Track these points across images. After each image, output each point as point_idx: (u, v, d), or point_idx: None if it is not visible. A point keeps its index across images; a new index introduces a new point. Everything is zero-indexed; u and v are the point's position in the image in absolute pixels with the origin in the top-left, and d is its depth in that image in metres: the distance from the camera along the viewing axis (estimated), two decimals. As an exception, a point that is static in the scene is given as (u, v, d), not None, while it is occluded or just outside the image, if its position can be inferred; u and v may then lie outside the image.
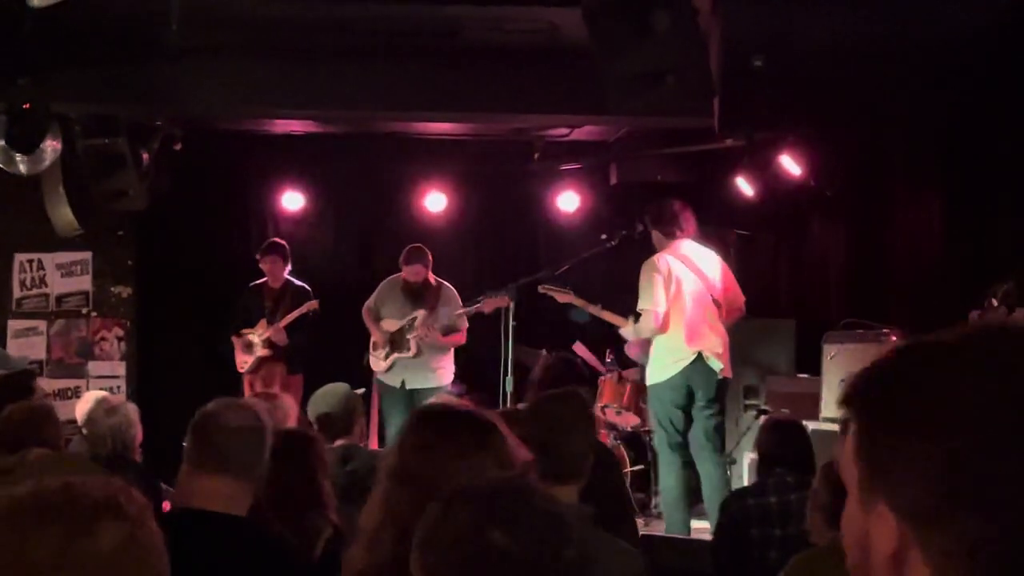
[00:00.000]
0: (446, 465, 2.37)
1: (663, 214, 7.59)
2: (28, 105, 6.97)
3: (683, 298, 7.38)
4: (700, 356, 7.36)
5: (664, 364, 7.43)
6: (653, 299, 7.37)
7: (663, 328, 7.39)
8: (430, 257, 9.05)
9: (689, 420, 7.48)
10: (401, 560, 1.95)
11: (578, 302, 8.18)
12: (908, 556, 1.11)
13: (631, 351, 9.63)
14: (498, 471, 2.34)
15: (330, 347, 9.58)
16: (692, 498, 7.59)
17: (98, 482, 1.45)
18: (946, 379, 1.12)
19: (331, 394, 5.91)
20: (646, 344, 8.68)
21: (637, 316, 7.61)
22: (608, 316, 8.04)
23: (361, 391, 8.46)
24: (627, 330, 7.83)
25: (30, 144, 7.24)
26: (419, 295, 8.99)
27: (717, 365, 7.37)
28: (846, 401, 1.20)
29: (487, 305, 8.55)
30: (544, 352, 9.34)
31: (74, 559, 1.35)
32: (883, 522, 1.13)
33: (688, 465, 7.47)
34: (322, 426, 5.72)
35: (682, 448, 7.46)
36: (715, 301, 7.51)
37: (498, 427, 2.50)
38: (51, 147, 7.52)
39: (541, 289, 8.33)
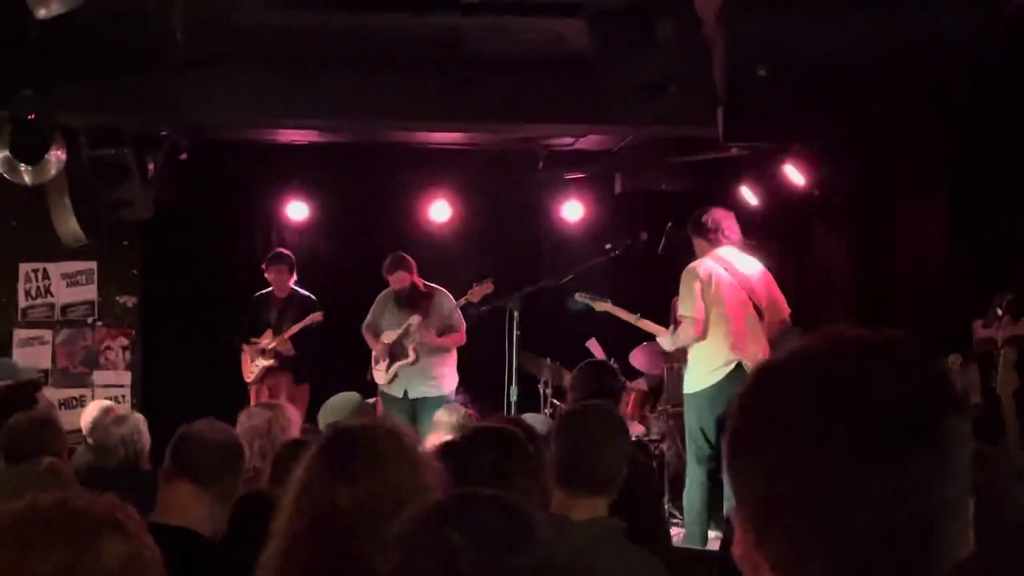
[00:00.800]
0: (327, 494, 2.47)
1: (704, 222, 7.44)
2: (33, 116, 6.98)
3: (723, 305, 7.23)
4: (740, 365, 7.17)
5: (703, 373, 7.27)
6: (694, 306, 7.22)
7: (702, 335, 7.26)
8: (412, 263, 9.03)
9: (720, 433, 7.38)
10: None
11: (617, 311, 8.07)
12: (758, 560, 1.17)
13: (637, 361, 9.65)
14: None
15: (336, 357, 9.59)
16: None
17: (94, 498, 1.45)
18: (770, 396, 1.19)
19: (342, 403, 5.93)
20: (663, 355, 8.69)
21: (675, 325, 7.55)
22: (646, 325, 7.91)
23: (372, 400, 8.48)
24: (665, 340, 7.71)
25: (35, 155, 7.25)
26: (412, 302, 8.99)
27: None
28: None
29: (473, 294, 8.57)
30: (548, 361, 9.36)
31: (78, 573, 1.34)
32: (738, 527, 1.20)
33: (712, 479, 7.30)
34: (332, 435, 5.73)
35: (710, 462, 7.26)
36: (757, 309, 7.35)
37: (409, 458, 2.55)
38: (56, 157, 7.54)
39: (578, 296, 8.27)
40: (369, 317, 9.20)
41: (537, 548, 1.90)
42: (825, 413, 1.13)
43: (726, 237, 7.38)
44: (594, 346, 9.52)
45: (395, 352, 8.98)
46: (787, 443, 1.14)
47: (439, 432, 6.09)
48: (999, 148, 7.29)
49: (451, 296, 9.03)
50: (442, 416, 6.36)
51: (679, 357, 8.01)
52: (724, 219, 7.47)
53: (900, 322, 8.04)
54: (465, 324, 9.00)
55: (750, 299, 7.34)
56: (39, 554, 1.35)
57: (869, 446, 1.11)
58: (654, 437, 9.11)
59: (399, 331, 8.97)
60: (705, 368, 7.27)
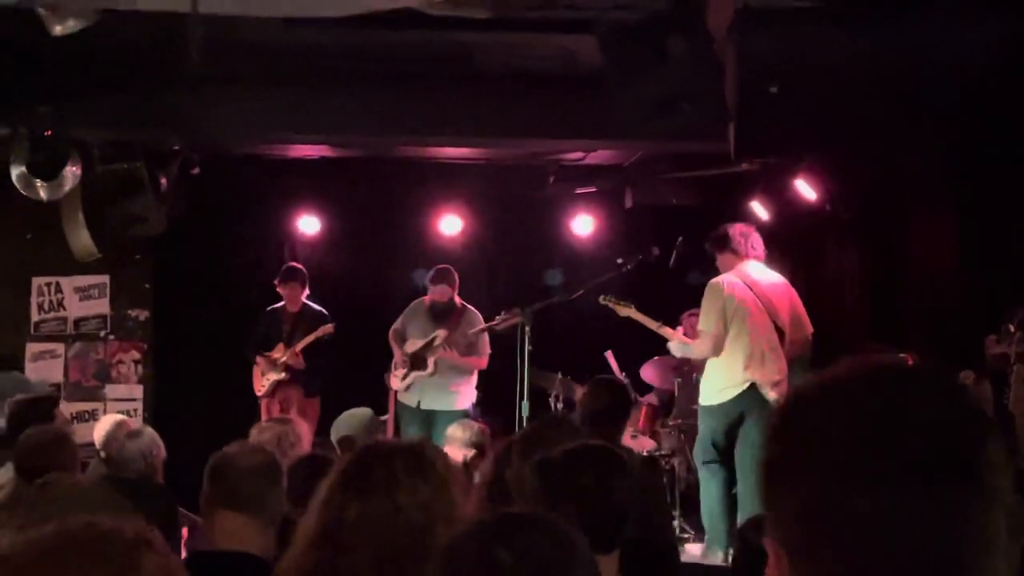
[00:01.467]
0: (339, 509, 2.55)
1: (728, 236, 7.47)
2: (49, 132, 7.02)
3: (745, 325, 7.24)
4: (754, 386, 7.19)
5: (716, 389, 7.32)
6: (713, 323, 7.25)
7: (717, 353, 7.29)
8: (457, 278, 9.10)
9: (733, 444, 7.34)
10: None
11: (639, 317, 8.06)
12: None
13: (648, 376, 9.66)
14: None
15: (346, 370, 9.61)
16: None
17: (121, 520, 1.45)
18: (807, 425, 1.19)
19: (354, 418, 5.95)
20: (674, 369, 8.70)
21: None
22: (666, 332, 7.92)
23: (384, 417, 8.50)
24: (675, 345, 7.77)
25: (51, 171, 7.30)
26: (442, 315, 9.05)
27: (772, 397, 7.12)
28: None
29: (500, 323, 8.58)
30: (559, 375, 9.37)
31: None
32: (772, 551, 1.21)
33: (729, 475, 7.36)
34: (344, 449, 5.75)
35: (721, 464, 7.34)
36: (779, 329, 7.34)
37: (411, 471, 2.59)
38: (71, 173, 7.58)
39: (602, 300, 8.25)
40: (398, 323, 9.25)
41: (582, 570, 1.93)
42: (862, 443, 1.14)
43: (748, 253, 7.39)
44: (610, 359, 9.53)
45: (416, 361, 9.01)
46: (824, 473, 1.15)
47: (452, 447, 6.11)
48: (1010, 163, 7.30)
49: (482, 318, 9.05)
50: (455, 432, 6.37)
51: (697, 368, 8.03)
52: (749, 233, 7.49)
53: (912, 338, 8.04)
54: (489, 350, 9.02)
55: (772, 319, 7.34)
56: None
57: (907, 477, 1.12)
58: (665, 452, 9.11)
59: (423, 341, 9.01)
60: (719, 384, 7.31)
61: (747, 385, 7.21)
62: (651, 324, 8.00)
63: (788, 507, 1.18)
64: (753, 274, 7.41)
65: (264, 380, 9.49)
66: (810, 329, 7.54)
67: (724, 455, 7.37)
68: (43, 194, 7.60)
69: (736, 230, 7.48)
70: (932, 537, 1.12)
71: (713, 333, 7.25)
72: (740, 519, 7.26)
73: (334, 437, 5.95)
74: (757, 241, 7.47)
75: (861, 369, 1.21)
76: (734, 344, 7.25)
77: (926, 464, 1.12)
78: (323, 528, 2.49)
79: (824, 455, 1.16)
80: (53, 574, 1.34)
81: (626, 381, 9.62)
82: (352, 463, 2.66)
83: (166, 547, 1.43)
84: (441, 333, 8.98)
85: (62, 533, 1.39)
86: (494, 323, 8.57)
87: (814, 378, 1.23)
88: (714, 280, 7.37)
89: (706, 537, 7.56)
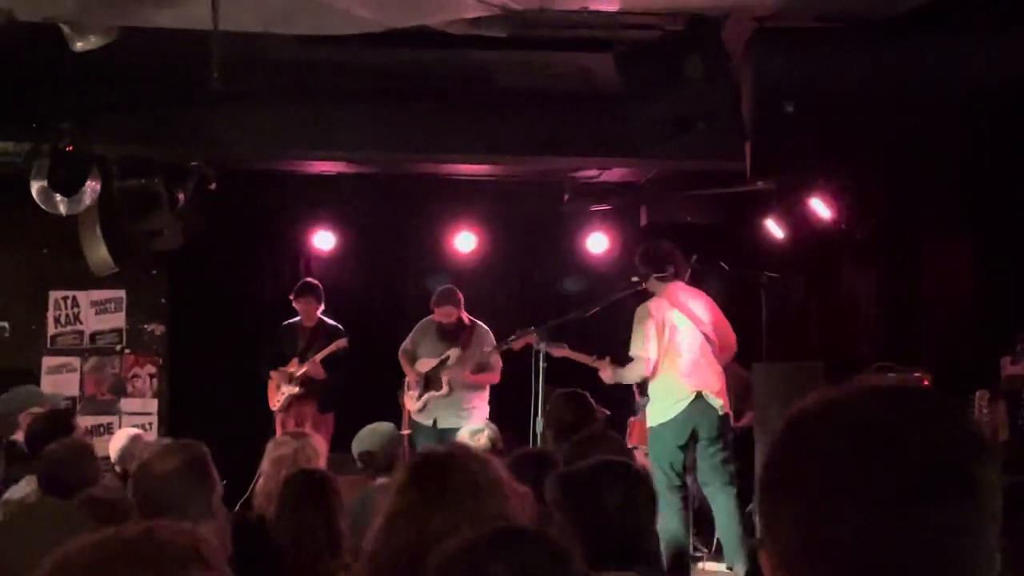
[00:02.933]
0: (422, 520, 2.50)
1: (657, 257, 7.62)
2: (71, 148, 7.07)
3: (677, 343, 7.43)
4: (700, 395, 7.39)
5: (665, 406, 7.45)
6: (644, 346, 7.42)
7: (652, 375, 7.46)
8: (461, 297, 9.13)
9: (690, 460, 7.52)
10: None
11: (573, 355, 8.18)
12: None
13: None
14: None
15: (361, 386, 9.62)
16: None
17: (177, 528, 1.46)
18: (803, 444, 1.22)
19: (376, 433, 5.97)
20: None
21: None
22: (599, 364, 7.98)
23: (407, 432, 8.51)
24: (607, 374, 7.82)
25: (72, 186, 7.35)
26: (453, 335, 9.08)
27: (717, 403, 7.39)
28: None
29: (516, 343, 8.58)
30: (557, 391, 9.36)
31: None
32: (767, 565, 1.23)
33: (687, 505, 7.55)
34: (365, 464, 5.78)
35: (682, 489, 7.47)
36: (708, 339, 7.53)
37: (497, 483, 2.57)
38: (91, 188, 7.63)
39: (535, 345, 8.14)
40: (408, 343, 9.26)
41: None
42: (858, 462, 1.15)
43: (675, 271, 7.56)
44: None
45: (429, 382, 9.04)
46: (819, 491, 1.17)
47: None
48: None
49: (491, 333, 9.08)
50: (467, 441, 6.39)
51: None
52: (673, 252, 7.62)
53: (927, 357, 8.02)
54: (501, 364, 9.04)
55: (701, 332, 7.51)
56: None
57: (902, 497, 1.13)
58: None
59: (435, 361, 9.03)
60: (666, 402, 7.45)
61: (694, 396, 7.37)
62: (585, 359, 8.08)
63: (785, 522, 1.20)
64: (680, 295, 7.59)
65: (279, 395, 9.51)
66: (733, 337, 7.72)
67: (683, 477, 7.51)
68: (63, 209, 7.64)
69: (662, 249, 7.69)
70: (927, 556, 1.13)
71: (646, 357, 7.42)
72: (722, 527, 7.39)
73: (355, 451, 5.97)
74: (681, 260, 7.66)
75: (860, 389, 1.24)
76: (670, 365, 7.43)
77: (922, 484, 1.14)
78: (407, 540, 2.45)
79: (821, 473, 1.18)
80: None
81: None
82: (425, 473, 2.62)
83: (220, 561, 1.44)
84: (454, 352, 9.00)
85: (118, 540, 1.41)
86: (509, 341, 8.57)
87: (816, 397, 1.25)
88: (644, 305, 7.55)
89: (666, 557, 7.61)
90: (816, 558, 1.17)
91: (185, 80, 7.46)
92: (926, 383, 7.59)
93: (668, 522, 7.49)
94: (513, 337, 8.47)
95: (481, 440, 6.30)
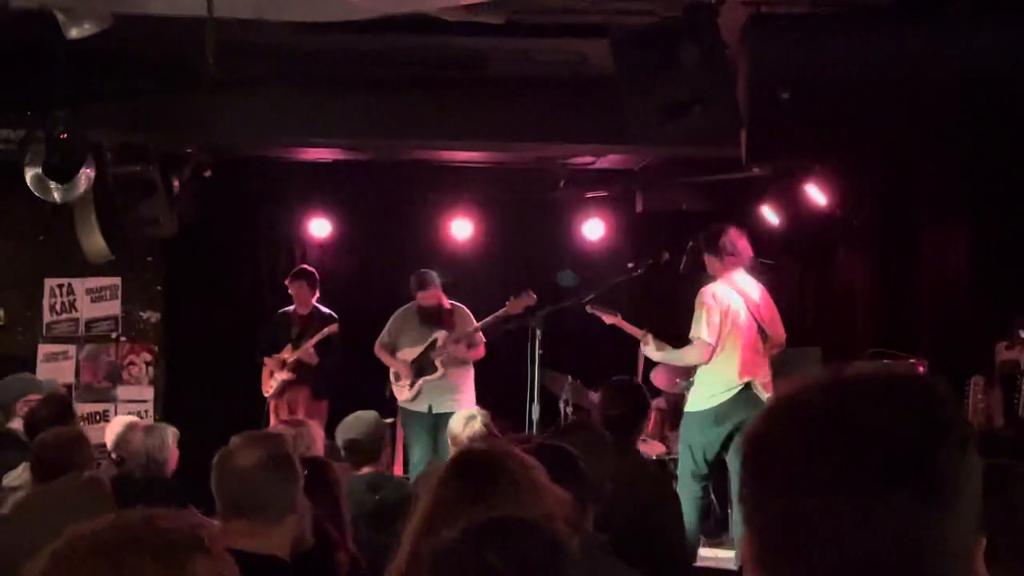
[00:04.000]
0: (467, 518, 2.46)
1: (721, 244, 7.45)
2: (65, 135, 7.05)
3: (738, 331, 7.31)
4: (749, 385, 7.28)
5: (712, 392, 7.33)
6: (708, 331, 7.26)
7: (709, 361, 7.33)
8: (438, 281, 9.10)
9: (722, 451, 7.39)
10: None
11: (624, 325, 8.06)
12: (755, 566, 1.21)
13: (658, 380, 9.65)
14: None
15: (355, 373, 9.63)
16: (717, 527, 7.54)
17: (179, 516, 1.46)
18: (770, 429, 1.22)
19: (360, 421, 5.94)
20: (678, 370, 8.69)
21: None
22: (649, 339, 7.87)
23: (390, 420, 8.50)
24: (661, 353, 7.75)
25: (67, 173, 7.33)
26: (436, 318, 9.05)
27: (764, 395, 7.24)
28: None
29: (513, 306, 8.55)
30: (569, 379, 9.36)
31: None
32: (742, 556, 1.25)
33: (706, 494, 7.47)
34: (350, 452, 5.76)
35: (704, 480, 7.39)
36: (763, 332, 7.43)
37: (537, 481, 2.58)
38: (86, 176, 7.61)
39: (589, 309, 8.26)
40: (386, 336, 9.20)
41: (571, 572, 1.93)
42: (815, 448, 1.16)
43: (739, 257, 7.42)
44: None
45: (421, 367, 9.00)
46: (779, 476, 1.18)
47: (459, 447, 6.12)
48: (1022, 168, 7.30)
49: (470, 312, 9.09)
50: (456, 428, 6.37)
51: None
52: (739, 240, 7.50)
53: (922, 343, 8.04)
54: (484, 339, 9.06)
55: (758, 324, 7.42)
56: (130, 573, 1.35)
57: (855, 482, 1.13)
58: (675, 456, 9.11)
59: (422, 347, 9.01)
60: (714, 389, 7.35)
61: (743, 385, 7.29)
62: (636, 332, 8.00)
63: (753, 515, 1.21)
64: (741, 283, 7.47)
65: (272, 381, 9.51)
66: (784, 333, 7.64)
67: (710, 469, 7.41)
68: (57, 196, 7.63)
69: (729, 236, 7.48)
70: (889, 545, 1.12)
71: (708, 342, 7.28)
72: (739, 524, 7.30)
73: (340, 440, 5.95)
74: (747, 247, 7.50)
75: (825, 379, 1.23)
76: (729, 353, 7.32)
77: (875, 468, 1.13)
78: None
79: (777, 458, 1.18)
80: (104, 569, 1.35)
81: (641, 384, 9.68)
82: (467, 470, 2.63)
83: (222, 551, 1.43)
84: (441, 335, 8.98)
85: (119, 528, 1.40)
86: (508, 309, 8.53)
87: (783, 388, 1.25)
88: (707, 289, 7.40)
89: None
90: (774, 542, 1.17)
91: (180, 67, 7.47)
92: (921, 369, 7.61)
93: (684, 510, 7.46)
94: (507, 303, 8.44)
95: (475, 427, 6.26)
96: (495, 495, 2.52)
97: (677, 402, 9.69)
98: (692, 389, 7.59)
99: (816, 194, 8.70)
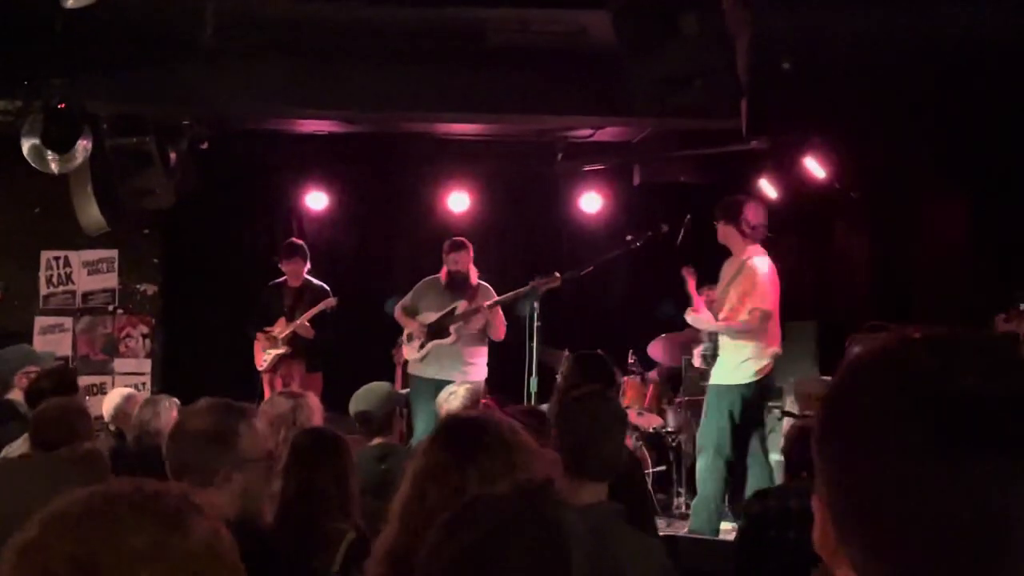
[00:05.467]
0: (457, 483, 2.48)
1: (742, 211, 7.38)
2: (63, 105, 7.02)
3: (777, 302, 7.34)
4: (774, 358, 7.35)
5: (760, 365, 7.30)
6: (769, 300, 7.24)
7: (759, 333, 7.28)
8: (471, 250, 9.05)
9: (758, 424, 7.39)
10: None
11: (692, 289, 7.74)
12: (835, 547, 1.20)
13: (655, 353, 9.67)
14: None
15: (351, 346, 9.63)
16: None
17: (167, 484, 1.46)
18: (855, 390, 1.19)
19: (373, 392, 5.91)
20: (682, 346, 8.68)
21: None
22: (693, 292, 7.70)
23: (404, 391, 8.46)
24: (709, 322, 7.52)
25: (64, 143, 7.29)
26: (459, 288, 8.98)
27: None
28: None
29: (538, 285, 8.43)
30: (566, 352, 9.36)
31: (170, 552, 1.34)
32: (818, 513, 1.22)
33: (732, 472, 7.35)
34: (362, 423, 5.74)
35: (729, 457, 7.29)
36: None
37: (525, 443, 2.58)
38: (83, 147, 7.58)
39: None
40: (408, 299, 9.14)
41: (575, 558, 1.91)
42: (907, 410, 1.13)
43: (760, 231, 7.39)
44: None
45: (435, 331, 8.95)
46: (869, 438, 1.15)
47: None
48: (1021, 141, 7.29)
49: (495, 294, 9.02)
50: (440, 399, 6.37)
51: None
52: (761, 212, 7.47)
53: (920, 316, 8.04)
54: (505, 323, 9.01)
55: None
56: (129, 531, 1.34)
57: (950, 446, 1.11)
58: (671, 429, 9.14)
59: (441, 313, 8.95)
60: (762, 361, 7.29)
61: (774, 359, 7.32)
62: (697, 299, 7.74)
63: (832, 471, 1.19)
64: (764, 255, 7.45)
65: (265, 355, 9.50)
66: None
67: (735, 447, 7.33)
68: (54, 167, 7.59)
69: (758, 209, 7.42)
70: (967, 507, 1.10)
71: (771, 311, 7.23)
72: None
73: (352, 410, 5.94)
74: (764, 224, 7.44)
75: (914, 337, 1.20)
76: (773, 321, 7.31)
77: (966, 431, 1.11)
78: (443, 499, 2.43)
79: (866, 419, 1.16)
80: (101, 531, 1.34)
81: (632, 359, 9.70)
82: (453, 434, 2.62)
83: (215, 515, 1.43)
84: (462, 304, 8.93)
85: (112, 492, 1.40)
86: (532, 288, 8.43)
87: (869, 345, 1.23)
88: (759, 260, 7.32)
89: (692, 521, 7.55)
90: (858, 506, 1.16)
91: (177, 39, 7.44)
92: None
93: (709, 486, 7.35)
94: (532, 283, 8.36)
95: (454, 403, 6.25)
96: (485, 458, 2.52)
97: (674, 375, 9.73)
98: (731, 360, 7.40)
99: (814, 167, 8.67)
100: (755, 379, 7.28)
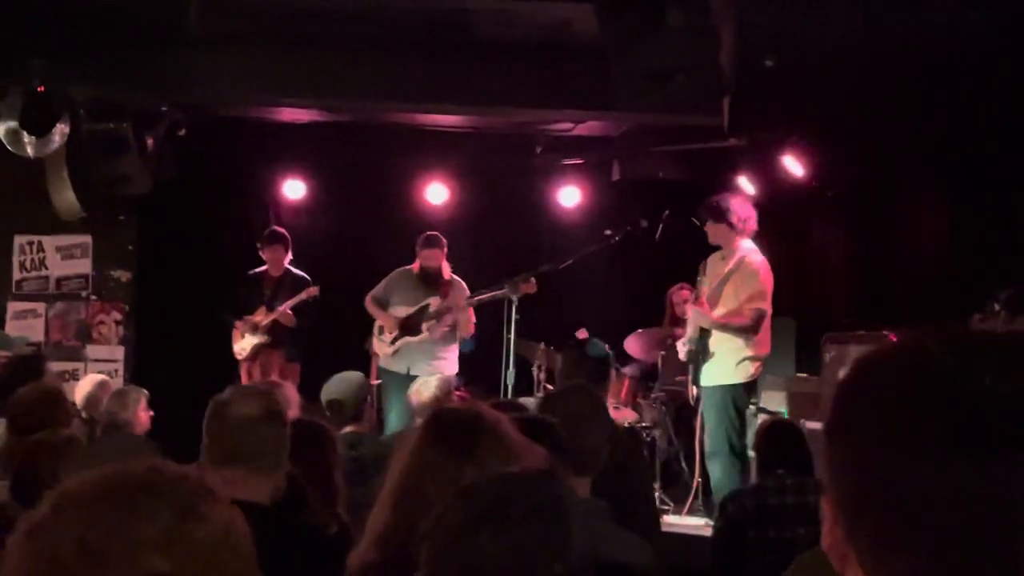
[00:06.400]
0: (454, 475, 2.45)
1: (736, 206, 7.36)
2: (42, 88, 6.95)
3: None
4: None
5: (754, 365, 7.29)
6: (769, 301, 7.26)
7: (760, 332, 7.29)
8: (445, 246, 9.04)
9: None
10: (407, 558, 2.02)
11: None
12: (846, 551, 1.17)
13: (631, 348, 9.67)
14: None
15: (328, 336, 9.59)
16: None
17: (179, 466, 1.43)
18: (869, 387, 1.18)
19: (344, 381, 5.92)
20: (658, 342, 8.68)
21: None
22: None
23: (377, 382, 8.47)
24: (707, 315, 7.40)
25: (43, 127, 7.22)
26: (432, 284, 8.98)
27: None
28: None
29: (512, 290, 8.37)
30: (541, 345, 9.36)
31: (183, 540, 1.31)
32: (828, 512, 1.20)
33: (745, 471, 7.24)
34: (333, 412, 5.74)
35: (742, 455, 7.23)
36: None
37: (508, 435, 2.57)
38: (60, 131, 7.51)
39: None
40: (380, 289, 9.12)
41: (573, 552, 1.90)
42: (922, 408, 1.12)
43: (749, 226, 7.38)
44: (583, 336, 9.52)
45: (407, 327, 8.94)
46: (882, 436, 1.13)
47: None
48: (1001, 141, 7.32)
49: (467, 289, 9.01)
50: (410, 392, 6.35)
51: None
52: (748, 206, 7.45)
53: (898, 316, 8.07)
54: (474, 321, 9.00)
55: None
56: (144, 518, 1.31)
57: (965, 445, 1.09)
58: (646, 424, 9.14)
59: (414, 308, 8.94)
60: (752, 362, 7.28)
61: (766, 355, 7.35)
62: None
63: (844, 470, 1.17)
64: (756, 250, 7.44)
65: (244, 344, 9.45)
66: None
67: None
68: (30, 150, 7.52)
69: (736, 203, 7.40)
70: (987, 506, 1.08)
71: (769, 311, 7.25)
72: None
73: (324, 399, 5.94)
74: (753, 216, 7.42)
75: (935, 335, 1.19)
76: (768, 318, 7.33)
77: (987, 431, 1.09)
78: (440, 491, 2.41)
79: (882, 417, 1.14)
80: (113, 517, 1.31)
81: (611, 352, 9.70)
82: (449, 429, 2.61)
83: (231, 504, 1.40)
84: (435, 300, 8.92)
85: (125, 474, 1.36)
86: (508, 292, 8.38)
87: (883, 342, 1.22)
88: (759, 258, 7.33)
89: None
90: (872, 507, 1.14)
91: (155, 24, 7.38)
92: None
93: (720, 484, 7.24)
94: (506, 285, 8.33)
95: (426, 393, 6.23)
96: (482, 452, 2.51)
97: (650, 371, 9.73)
98: (727, 360, 7.32)
99: (793, 165, 8.69)
100: (752, 378, 7.30)
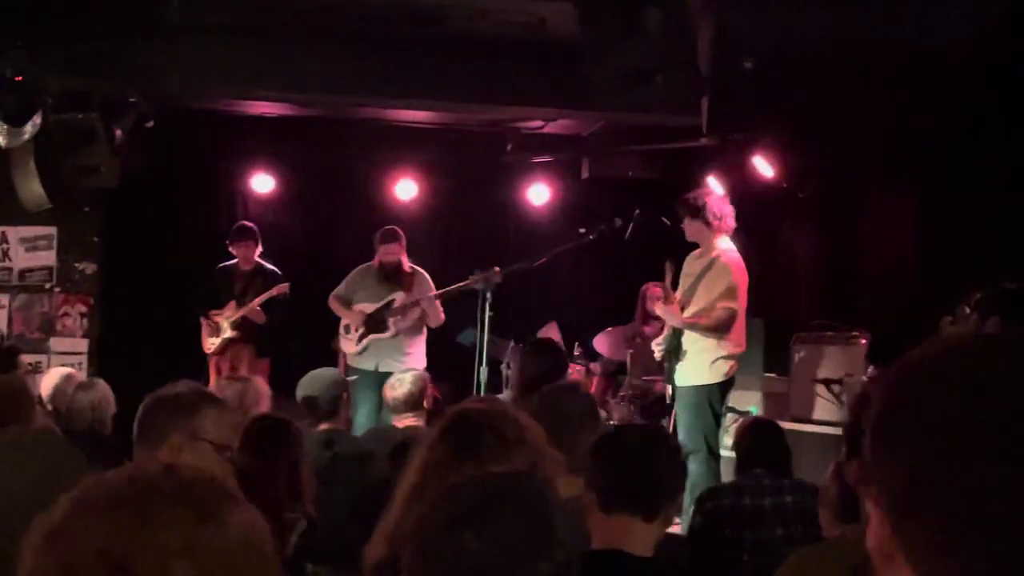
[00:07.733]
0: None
1: (712, 203, 7.32)
2: (20, 78, 6.86)
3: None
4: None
5: (728, 365, 7.25)
6: (743, 300, 7.23)
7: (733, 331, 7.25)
8: (404, 240, 9.02)
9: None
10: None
11: (668, 284, 7.59)
12: (893, 551, 1.17)
13: (599, 344, 9.69)
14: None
15: (297, 332, 9.54)
16: None
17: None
18: (918, 393, 1.18)
19: (319, 378, 5.88)
20: (628, 340, 8.68)
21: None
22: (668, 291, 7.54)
23: (351, 379, 8.42)
24: (674, 317, 7.36)
25: (21, 117, 7.13)
26: (394, 278, 8.96)
27: None
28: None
29: (475, 282, 8.30)
30: (511, 343, 9.35)
31: (205, 546, 1.28)
32: (875, 515, 1.20)
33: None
34: (308, 409, 5.70)
35: (718, 454, 7.22)
36: None
37: (530, 440, 2.57)
38: (32, 121, 7.42)
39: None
40: (342, 288, 9.10)
41: (559, 550, 1.89)
42: (974, 414, 1.12)
43: (727, 223, 7.37)
44: (552, 331, 9.53)
45: (373, 324, 8.91)
46: (934, 442, 1.13)
47: (402, 414, 6.07)
48: (970, 143, 7.38)
49: (430, 279, 9.00)
50: (384, 389, 6.32)
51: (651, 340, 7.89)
52: (724, 205, 7.40)
53: (866, 317, 8.13)
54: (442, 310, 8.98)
55: None
56: (161, 524, 1.27)
57: (1017, 450, 1.10)
58: (614, 421, 9.14)
59: (378, 304, 8.92)
60: (726, 362, 7.25)
61: (740, 355, 7.33)
62: (672, 294, 7.60)
63: (892, 473, 1.17)
64: (733, 248, 7.42)
65: (213, 338, 9.38)
66: None
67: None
68: (2, 140, 7.42)
69: (712, 200, 7.37)
70: None
71: (741, 310, 7.22)
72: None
73: (299, 396, 5.90)
74: (730, 214, 7.43)
75: (981, 340, 1.20)
76: (743, 318, 7.32)
77: None
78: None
79: (933, 423, 1.14)
80: (131, 524, 1.27)
81: (577, 352, 9.73)
82: (458, 428, 2.62)
83: (250, 505, 1.37)
84: (399, 295, 8.91)
85: (139, 479, 1.33)
86: (475, 282, 8.35)
87: (933, 344, 1.22)
88: (733, 257, 7.30)
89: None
90: (921, 510, 1.14)
91: (124, 13, 7.29)
92: (863, 342, 7.68)
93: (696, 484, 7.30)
94: (474, 277, 8.29)
95: (401, 389, 6.18)
96: (483, 454, 2.51)
97: (618, 369, 9.75)
98: (701, 360, 7.27)
99: (763, 165, 8.72)
100: (726, 378, 7.27)
